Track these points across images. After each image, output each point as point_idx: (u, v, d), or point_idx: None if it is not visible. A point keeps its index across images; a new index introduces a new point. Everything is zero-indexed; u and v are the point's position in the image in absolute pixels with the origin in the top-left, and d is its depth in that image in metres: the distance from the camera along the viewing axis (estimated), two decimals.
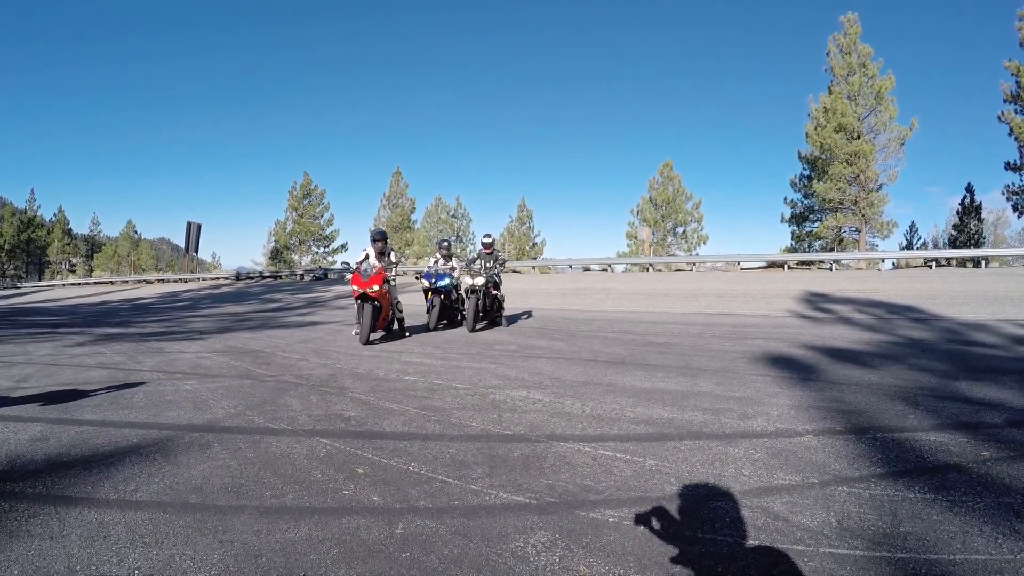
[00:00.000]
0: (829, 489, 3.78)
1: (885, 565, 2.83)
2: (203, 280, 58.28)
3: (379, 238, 12.46)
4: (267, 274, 57.63)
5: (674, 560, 2.87)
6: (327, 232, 69.71)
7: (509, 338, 11.95)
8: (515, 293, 26.09)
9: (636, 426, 5.26)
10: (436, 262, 14.48)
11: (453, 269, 14.50)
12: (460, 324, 14.66)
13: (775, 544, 3.03)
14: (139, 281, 62.13)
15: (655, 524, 3.25)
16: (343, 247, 70.01)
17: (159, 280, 61.67)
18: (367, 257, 12.15)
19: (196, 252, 61.19)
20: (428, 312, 14.03)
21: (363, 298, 11.53)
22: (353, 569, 2.77)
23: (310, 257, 69.39)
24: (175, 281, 58.60)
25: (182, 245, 63.15)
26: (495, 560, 2.86)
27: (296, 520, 3.29)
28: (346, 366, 8.52)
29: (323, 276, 52.39)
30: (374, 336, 11.80)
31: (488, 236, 14.93)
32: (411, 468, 4.15)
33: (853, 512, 3.42)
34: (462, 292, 14.68)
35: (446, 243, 15.14)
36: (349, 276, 12.21)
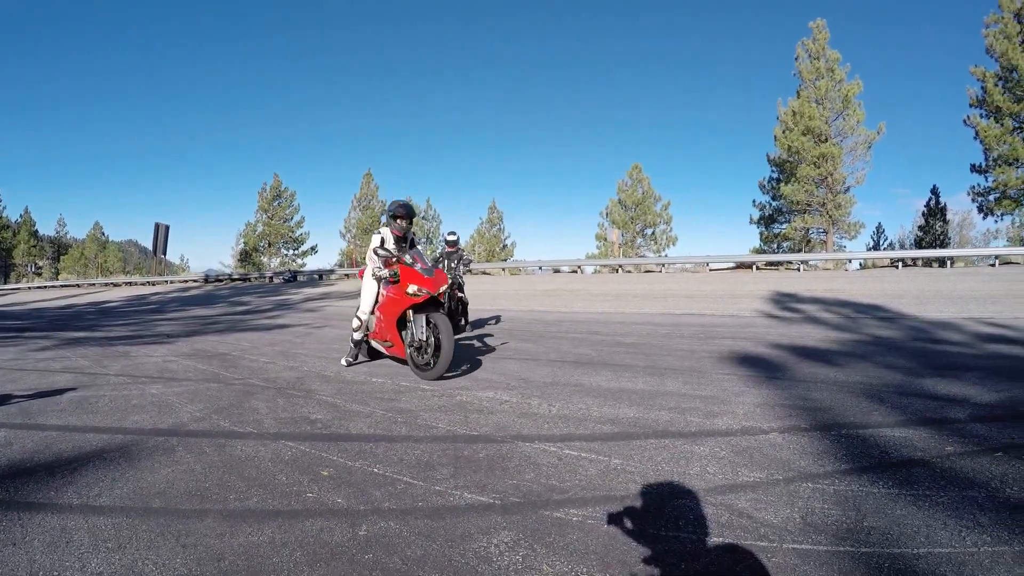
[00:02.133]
0: (793, 486, 3.82)
1: (848, 560, 2.87)
2: (171, 283, 57.66)
3: (402, 214, 8.63)
4: (236, 276, 57.14)
5: (637, 558, 2.89)
6: (297, 234, 69.45)
7: (477, 340, 11.93)
8: (485, 295, 26.13)
9: (602, 426, 5.29)
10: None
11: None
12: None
13: (738, 541, 3.06)
14: (106, 284, 61.39)
15: (619, 523, 3.28)
16: (313, 249, 69.84)
17: (126, 283, 60.95)
18: (383, 243, 8.58)
19: (164, 254, 60.67)
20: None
21: (429, 305, 7.97)
22: (316, 571, 2.78)
23: (279, 259, 69.05)
24: (143, 284, 57.91)
25: (150, 247, 62.47)
26: (458, 560, 2.87)
27: (260, 523, 3.29)
28: (314, 369, 8.50)
29: (292, 279, 52.03)
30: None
31: (452, 234, 13.58)
32: (376, 470, 4.16)
33: (817, 508, 3.46)
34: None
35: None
36: (380, 273, 8.55)
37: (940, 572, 2.75)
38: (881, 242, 56.51)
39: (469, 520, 3.33)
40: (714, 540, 3.07)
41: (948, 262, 37.27)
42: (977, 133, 43.09)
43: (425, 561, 2.87)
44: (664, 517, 3.36)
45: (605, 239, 58.34)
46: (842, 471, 4.09)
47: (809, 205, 46.85)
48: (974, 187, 45.06)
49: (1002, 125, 41.79)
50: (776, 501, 3.56)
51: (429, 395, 6.62)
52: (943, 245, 51.23)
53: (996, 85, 42.28)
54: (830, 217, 46.44)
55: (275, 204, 69.06)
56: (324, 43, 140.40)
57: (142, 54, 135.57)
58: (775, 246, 50.71)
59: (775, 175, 50.18)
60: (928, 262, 39.38)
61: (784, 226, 49.94)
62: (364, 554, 2.93)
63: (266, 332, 14.39)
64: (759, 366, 8.07)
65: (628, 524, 3.27)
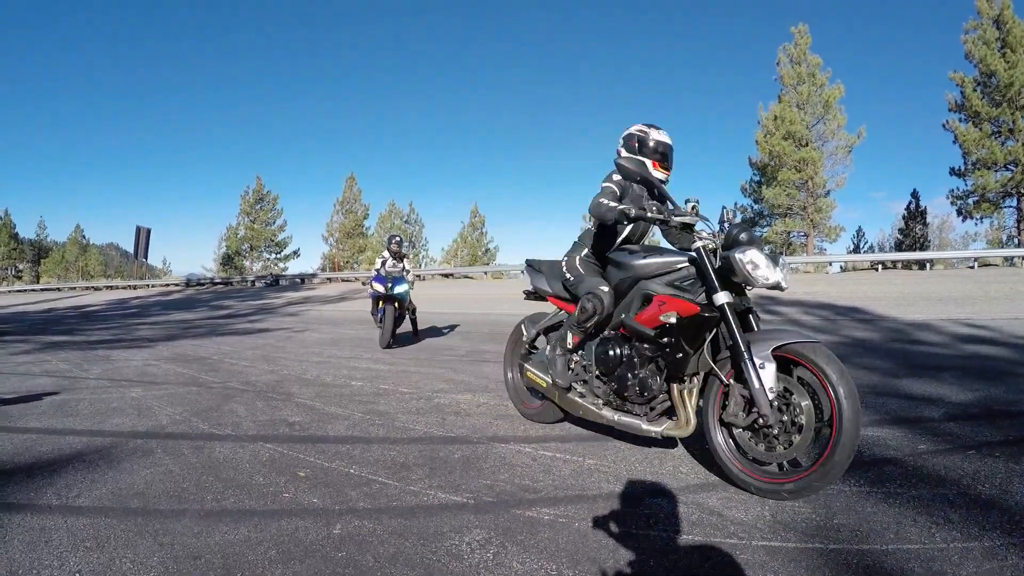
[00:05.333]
0: None
1: (817, 556, 2.91)
2: (152, 286, 57.36)
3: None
4: (218, 280, 56.77)
5: (607, 555, 2.94)
6: (279, 238, 69.01)
7: (459, 343, 12.01)
8: (467, 299, 26.13)
9: (577, 428, 5.33)
10: (384, 263, 12.56)
11: (406, 272, 12.51)
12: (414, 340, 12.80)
13: (708, 538, 3.11)
14: (87, 288, 60.98)
15: (590, 521, 3.32)
16: (295, 253, 69.40)
17: (107, 287, 60.54)
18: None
19: (146, 258, 60.25)
20: (379, 324, 11.75)
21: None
22: (289, 568, 2.82)
23: (262, 263, 68.69)
24: (124, 288, 57.57)
25: (131, 250, 62.10)
26: (430, 558, 2.92)
27: (236, 522, 3.34)
28: (293, 372, 8.51)
29: (274, 283, 51.81)
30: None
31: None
32: (352, 471, 4.20)
33: (788, 506, 3.51)
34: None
35: (397, 239, 13.02)
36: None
37: (909, 568, 2.79)
38: (861, 245, 56.89)
39: (442, 519, 3.38)
40: (684, 538, 3.12)
41: (928, 264, 37.68)
42: (956, 137, 43.75)
43: (397, 559, 2.92)
44: (636, 515, 3.41)
45: None
46: None
47: (790, 209, 47.20)
48: (953, 190, 45.65)
49: (980, 129, 42.42)
50: (747, 499, 3.62)
51: (407, 398, 6.66)
52: (923, 248, 51.72)
53: (974, 90, 42.93)
54: (811, 221, 46.78)
55: (257, 207, 68.63)
56: (307, 45, 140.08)
57: (124, 55, 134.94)
58: None
59: (757, 179, 50.39)
60: (908, 264, 39.81)
61: (765, 229, 50.11)
62: (337, 552, 2.98)
63: (247, 336, 14.38)
64: None
65: (599, 522, 3.32)
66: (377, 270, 12.39)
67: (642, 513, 3.45)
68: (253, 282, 53.46)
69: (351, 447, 4.80)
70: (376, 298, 11.96)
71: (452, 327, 15.07)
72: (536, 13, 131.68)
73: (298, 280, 52.16)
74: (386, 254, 12.76)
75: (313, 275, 53.64)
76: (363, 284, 16.68)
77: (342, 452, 4.66)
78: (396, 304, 11.75)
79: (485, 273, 49.48)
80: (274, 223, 69.10)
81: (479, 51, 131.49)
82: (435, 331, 14.46)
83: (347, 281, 49.55)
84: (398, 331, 12.12)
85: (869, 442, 4.69)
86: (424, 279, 47.16)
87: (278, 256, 69.25)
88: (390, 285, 11.64)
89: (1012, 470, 4.03)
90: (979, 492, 3.65)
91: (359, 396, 6.78)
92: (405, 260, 12.93)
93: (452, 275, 49.71)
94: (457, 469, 4.25)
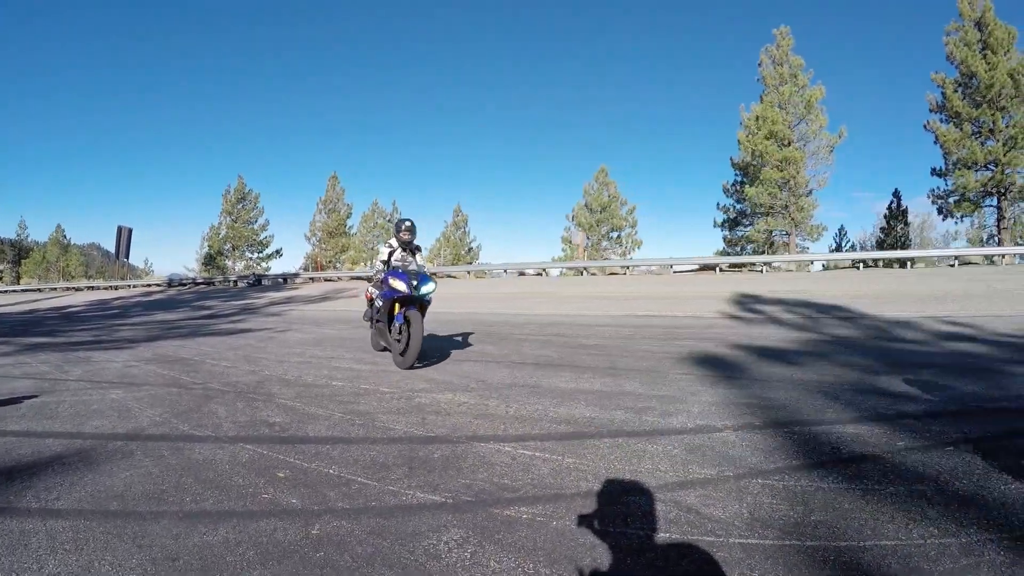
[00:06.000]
0: (743, 482, 3.90)
1: (793, 553, 2.94)
2: (134, 287, 57.03)
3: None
4: (200, 280, 56.54)
5: (584, 553, 2.96)
6: (261, 237, 68.87)
7: (442, 344, 11.91)
8: (450, 298, 26.10)
9: (558, 426, 5.37)
10: (392, 254, 9.69)
11: (421, 268, 9.80)
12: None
13: (685, 536, 3.14)
14: (68, 288, 60.59)
15: (568, 520, 3.35)
16: (278, 252, 69.27)
17: (89, 287, 60.14)
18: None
19: (127, 258, 59.65)
20: (395, 337, 8.97)
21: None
22: (268, 569, 2.85)
23: (244, 263, 68.46)
24: (105, 288, 57.23)
25: (113, 251, 61.75)
26: (407, 558, 2.95)
27: (215, 524, 3.36)
28: (275, 373, 8.51)
29: (257, 282, 51.62)
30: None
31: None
32: (331, 471, 4.22)
33: (765, 503, 3.54)
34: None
35: (408, 224, 9.73)
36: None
37: (885, 564, 2.82)
38: (843, 244, 57.31)
39: (420, 519, 3.40)
40: (661, 536, 3.14)
41: (909, 263, 38.05)
42: (937, 138, 44.64)
43: (375, 558, 2.94)
44: (613, 514, 3.44)
45: (571, 242, 58.58)
46: (792, 467, 4.17)
47: (772, 208, 47.58)
48: (934, 190, 46.58)
49: (961, 130, 43.17)
50: (725, 497, 3.64)
51: (388, 398, 6.67)
52: (904, 246, 52.22)
53: (955, 91, 43.72)
54: (793, 220, 47.21)
55: (239, 207, 68.44)
56: (291, 43, 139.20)
57: (106, 53, 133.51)
58: (739, 248, 51.27)
59: (739, 178, 50.83)
60: (889, 263, 40.20)
61: (748, 228, 50.62)
62: (316, 552, 3.01)
63: (228, 336, 14.29)
64: (718, 366, 8.19)
65: (577, 521, 3.34)
66: (383, 263, 9.67)
67: (620, 511, 3.48)
68: (235, 282, 53.33)
69: (331, 447, 4.82)
70: (391, 300, 9.02)
71: (436, 327, 15.03)
72: (521, 12, 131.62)
73: (280, 280, 52.08)
74: (393, 243, 9.71)
75: (295, 275, 53.56)
76: (369, 282, 11.23)
77: (322, 452, 4.68)
78: (420, 309, 9.08)
79: (468, 272, 49.50)
80: (256, 222, 69.00)
81: (463, 50, 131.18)
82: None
83: (330, 280, 49.49)
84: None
85: (846, 439, 4.75)
86: None
87: (260, 255, 69.15)
88: (416, 283, 8.88)
89: (990, 466, 4.07)
90: (957, 488, 3.69)
91: (340, 396, 6.79)
92: (418, 254, 10.03)
93: (435, 274, 49.68)
94: (436, 469, 4.26)
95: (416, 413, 5.94)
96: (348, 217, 69.03)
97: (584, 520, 3.35)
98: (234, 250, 69.00)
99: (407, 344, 8.69)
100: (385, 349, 9.99)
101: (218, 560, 2.94)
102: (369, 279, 11.46)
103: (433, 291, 9.15)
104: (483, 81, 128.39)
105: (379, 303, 9.63)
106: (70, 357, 10.87)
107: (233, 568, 2.86)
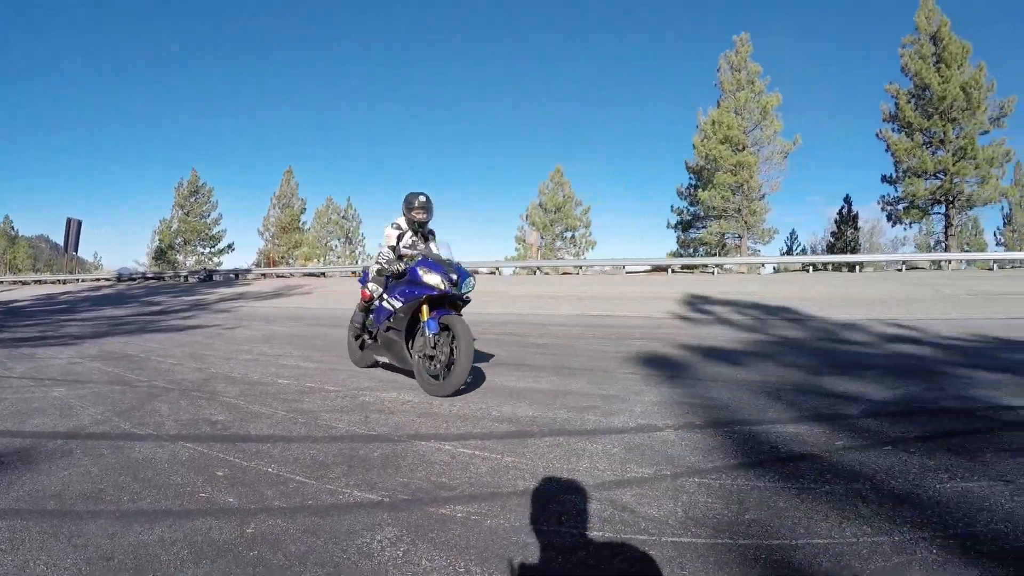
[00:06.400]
0: (680, 480, 3.95)
1: (725, 551, 2.97)
2: (83, 281, 56.04)
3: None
4: (150, 275, 55.72)
5: (516, 552, 2.99)
6: (214, 232, 68.14)
7: None
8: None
9: (500, 424, 5.41)
10: (401, 238, 7.66)
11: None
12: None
13: (618, 535, 3.16)
14: (15, 282, 59.34)
15: (503, 518, 3.37)
16: (230, 247, 68.61)
17: (36, 281, 59.01)
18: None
19: (76, 251, 58.57)
20: (430, 349, 6.76)
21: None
22: (200, 568, 2.86)
23: (195, 258, 67.63)
24: (53, 282, 56.19)
25: (62, 243, 60.58)
26: (340, 556, 2.97)
27: (151, 523, 3.35)
28: (221, 370, 8.42)
29: (208, 278, 51.02)
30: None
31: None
32: (270, 470, 4.22)
33: (701, 502, 3.58)
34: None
35: (423, 198, 7.63)
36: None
37: (816, 563, 2.86)
38: (794, 247, 58.37)
39: (355, 517, 3.41)
40: (594, 534, 3.17)
41: (858, 267, 39.12)
42: (889, 146, 46.52)
43: (308, 557, 2.96)
44: (548, 512, 3.46)
45: (524, 241, 58.76)
46: (730, 466, 4.24)
47: (725, 211, 48.63)
48: (884, 197, 48.47)
49: (912, 139, 44.78)
50: (661, 496, 3.69)
51: (333, 396, 6.67)
52: (854, 251, 53.49)
53: (908, 102, 45.29)
54: (745, 223, 48.20)
55: (192, 199, 67.65)
56: (244, 33, 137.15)
57: (53, 43, 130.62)
58: (692, 250, 52.01)
59: (693, 182, 51.70)
60: (839, 267, 41.10)
61: (701, 231, 51.63)
62: (249, 551, 3.02)
63: (177, 333, 14.08)
64: (664, 366, 8.28)
65: (512, 519, 3.36)
66: (392, 249, 7.60)
67: (555, 510, 3.51)
68: (186, 277, 52.72)
69: (271, 446, 4.81)
70: (417, 300, 6.98)
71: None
72: (477, 9, 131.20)
73: (232, 276, 51.54)
74: (402, 223, 7.68)
75: (247, 271, 53.04)
76: (377, 273, 7.56)
77: (262, 451, 4.67)
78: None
79: None
80: (209, 216, 68.21)
81: (420, 48, 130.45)
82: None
83: (282, 277, 49.09)
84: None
85: (785, 439, 4.82)
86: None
87: (212, 250, 68.45)
88: (456, 278, 6.98)
89: (926, 465, 4.16)
90: (892, 487, 3.77)
91: (284, 394, 6.77)
92: (432, 241, 8.02)
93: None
94: (375, 467, 4.28)
95: (359, 411, 5.94)
96: (302, 213, 68.67)
97: (518, 518, 3.37)
98: (186, 244, 68.16)
99: (449, 361, 6.53)
100: (387, 366, 8.08)
101: (152, 559, 2.94)
102: (364, 272, 8.74)
103: (473, 288, 7.34)
104: (439, 79, 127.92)
105: (392, 304, 7.39)
106: (14, 354, 10.66)
107: (166, 567, 2.87)
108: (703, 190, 49.10)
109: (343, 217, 70.60)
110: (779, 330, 12.67)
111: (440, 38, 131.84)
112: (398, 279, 7.49)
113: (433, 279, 6.83)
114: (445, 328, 6.70)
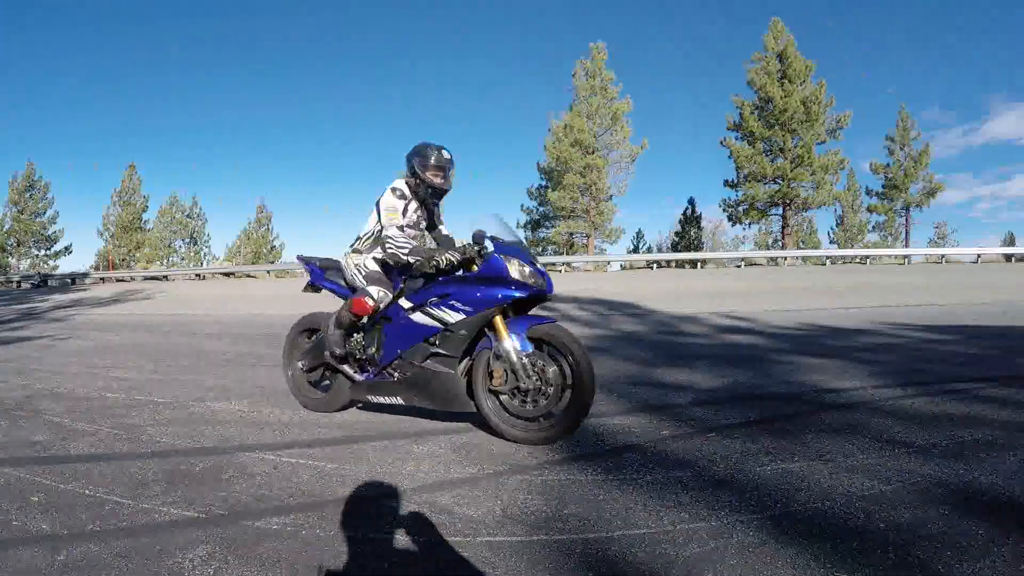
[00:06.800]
0: (502, 479, 4.06)
1: (540, 548, 3.05)
2: None
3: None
4: None
5: (328, 561, 3.02)
6: (50, 232, 64.31)
7: (230, 347, 11.57)
8: (245, 299, 25.31)
9: (329, 431, 5.41)
10: (406, 208, 5.54)
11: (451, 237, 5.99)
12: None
13: (432, 537, 3.24)
14: None
15: (319, 528, 3.39)
16: (67, 249, 64.90)
17: None
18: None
19: None
20: (529, 372, 4.75)
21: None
22: None
23: (29, 261, 63.75)
24: None
25: None
26: None
27: None
28: (47, 386, 7.92)
29: (42, 283, 48.12)
30: None
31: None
32: (87, 492, 4.08)
33: (520, 499, 3.68)
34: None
35: (447, 155, 5.46)
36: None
37: (632, 553, 2.94)
38: (640, 246, 60.73)
39: (170, 536, 3.35)
40: (408, 538, 3.24)
41: (701, 264, 41.24)
42: (732, 153, 50.38)
43: None
44: (365, 518, 3.52)
45: None
46: (554, 461, 4.38)
47: (574, 211, 50.04)
48: (726, 199, 52.47)
49: (754, 147, 48.25)
50: (481, 496, 3.78)
51: (162, 408, 6.46)
52: (697, 249, 56.44)
53: (752, 113, 48.43)
54: (593, 223, 49.79)
55: (27, 196, 63.65)
56: (87, 17, 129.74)
57: None
58: (541, 249, 53.12)
59: (543, 182, 52.94)
60: (683, 264, 42.97)
61: (550, 230, 53.05)
62: None
63: (2, 346, 13.18)
64: None
65: (327, 528, 3.39)
66: (400, 229, 5.38)
67: (372, 515, 3.57)
68: (18, 282, 49.51)
69: (92, 466, 4.63)
70: (488, 306, 4.83)
71: (223, 329, 14.60)
72: (331, 13, 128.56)
73: (69, 280, 48.83)
74: (405, 190, 5.54)
75: (85, 275, 50.40)
76: (391, 261, 5.35)
77: (81, 472, 4.49)
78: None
79: (268, 272, 48.42)
80: (45, 214, 64.33)
81: (268, 47, 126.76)
82: (207, 336, 13.82)
83: (122, 281, 47.00)
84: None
85: (612, 430, 5.04)
86: (204, 278, 45.76)
87: (48, 253, 64.50)
88: (543, 281, 4.99)
89: (748, 449, 4.46)
90: (713, 473, 4.02)
91: (111, 409, 6.48)
92: (441, 224, 6.06)
93: (233, 274, 48.60)
94: (195, 482, 4.21)
95: (187, 424, 5.78)
96: (144, 211, 65.76)
97: (333, 526, 3.41)
98: (18, 246, 64.08)
99: (568, 396, 4.69)
100: (392, 409, 5.96)
101: None
102: (311, 266, 6.40)
103: None
104: (289, 76, 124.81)
105: (440, 317, 5.03)
106: None
107: None
108: (552, 191, 50.47)
109: (188, 215, 68.10)
110: (620, 324, 13.17)
111: (291, 41, 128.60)
112: (433, 276, 5.25)
113: (524, 273, 4.83)
114: (538, 342, 4.84)
